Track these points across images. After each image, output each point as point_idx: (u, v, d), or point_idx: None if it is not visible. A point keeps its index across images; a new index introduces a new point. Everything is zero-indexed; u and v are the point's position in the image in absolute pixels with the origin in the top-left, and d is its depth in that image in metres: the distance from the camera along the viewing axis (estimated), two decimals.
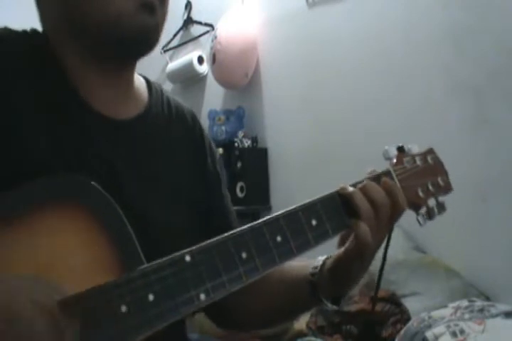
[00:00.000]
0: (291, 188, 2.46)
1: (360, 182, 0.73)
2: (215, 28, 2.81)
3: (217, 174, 0.87)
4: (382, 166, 0.78)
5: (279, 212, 0.65)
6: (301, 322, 1.88)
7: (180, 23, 3.09)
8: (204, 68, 3.00)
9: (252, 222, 0.63)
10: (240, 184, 2.60)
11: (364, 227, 0.68)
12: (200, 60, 2.98)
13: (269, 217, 0.64)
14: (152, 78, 0.87)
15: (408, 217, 0.77)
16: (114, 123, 0.74)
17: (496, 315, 1.47)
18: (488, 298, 1.71)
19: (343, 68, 2.26)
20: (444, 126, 1.88)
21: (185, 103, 0.90)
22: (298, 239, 0.65)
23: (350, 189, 0.71)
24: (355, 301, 1.76)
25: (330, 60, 2.32)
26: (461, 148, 1.81)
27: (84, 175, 0.59)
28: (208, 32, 2.95)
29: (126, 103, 0.77)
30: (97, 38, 0.71)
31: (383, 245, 0.76)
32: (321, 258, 0.77)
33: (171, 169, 0.79)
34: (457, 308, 1.52)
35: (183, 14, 3.09)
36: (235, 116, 2.75)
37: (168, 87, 3.20)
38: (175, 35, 3.10)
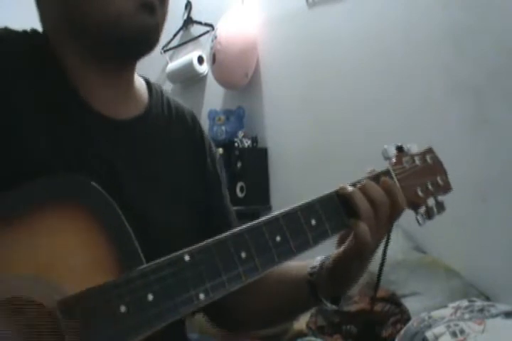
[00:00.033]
0: (291, 188, 2.46)
1: (359, 182, 0.73)
2: (215, 28, 2.81)
3: (217, 174, 0.87)
4: (382, 166, 0.79)
5: (278, 212, 0.65)
6: (301, 322, 1.88)
7: (180, 23, 3.09)
8: (204, 68, 3.00)
9: (251, 222, 0.63)
10: (240, 184, 2.60)
11: (363, 227, 0.68)
12: (200, 60, 2.98)
13: (268, 216, 0.64)
14: (152, 78, 0.87)
15: (408, 216, 0.78)
16: (114, 123, 0.74)
17: (496, 315, 1.47)
18: (488, 298, 1.71)
19: (343, 68, 2.26)
20: (444, 126, 1.88)
21: (185, 103, 0.90)
22: (297, 238, 0.65)
23: (350, 188, 0.71)
24: (355, 301, 1.76)
25: (330, 60, 2.32)
26: (461, 148, 1.81)
27: (84, 175, 0.59)
28: (208, 32, 2.95)
29: (127, 103, 0.78)
30: (97, 38, 0.71)
31: (383, 245, 0.76)
32: (319, 258, 0.77)
33: (170, 169, 0.79)
34: (457, 308, 1.52)
35: (183, 14, 3.09)
36: (235, 116, 2.75)
37: (168, 87, 3.20)
38: (175, 35, 3.10)
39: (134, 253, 0.57)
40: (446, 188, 0.83)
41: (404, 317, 1.69)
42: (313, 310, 1.86)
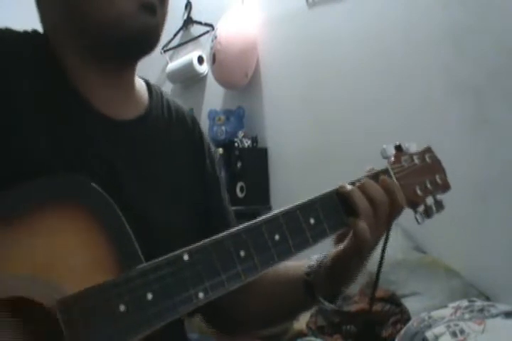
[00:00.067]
0: (291, 188, 2.46)
1: (358, 181, 0.73)
2: (215, 28, 2.81)
3: (216, 176, 0.88)
4: (382, 166, 0.79)
5: (277, 211, 0.66)
6: (301, 322, 1.88)
7: (180, 23, 3.09)
8: (204, 68, 3.00)
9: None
10: (240, 184, 2.60)
11: (363, 225, 0.68)
12: (200, 60, 2.98)
13: (267, 215, 0.65)
14: (152, 78, 0.87)
15: (408, 216, 0.78)
16: (114, 123, 0.74)
17: (496, 315, 1.47)
18: (488, 298, 1.71)
19: (343, 68, 2.26)
20: (444, 126, 1.88)
21: (185, 103, 0.90)
22: (296, 237, 0.65)
23: (349, 187, 0.71)
24: (355, 301, 1.76)
25: (330, 60, 2.32)
26: (461, 148, 1.81)
27: (84, 175, 0.59)
28: (207, 32, 2.95)
29: (127, 104, 0.78)
30: (97, 38, 0.71)
31: (381, 244, 0.76)
32: (315, 257, 0.77)
33: (170, 170, 0.80)
34: (457, 308, 1.52)
35: (183, 14, 3.09)
36: (235, 116, 2.75)
37: (168, 87, 3.19)
38: (175, 35, 3.10)
39: (133, 253, 0.57)
40: (445, 187, 0.83)
41: (404, 317, 1.69)
42: (313, 310, 1.86)
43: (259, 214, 2.58)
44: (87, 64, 0.73)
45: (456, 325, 1.42)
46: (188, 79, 3.09)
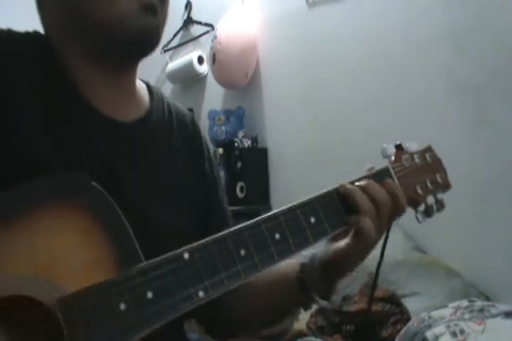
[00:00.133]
0: (291, 188, 2.46)
1: (358, 180, 0.73)
2: (215, 28, 2.81)
3: (214, 178, 0.88)
4: (381, 166, 0.79)
5: (278, 210, 0.66)
6: (301, 322, 1.87)
7: (180, 23, 3.09)
8: (204, 68, 3.00)
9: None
10: (240, 184, 2.60)
11: (369, 222, 0.69)
12: (200, 60, 2.98)
13: (267, 214, 0.65)
14: (152, 78, 0.87)
15: (408, 216, 0.78)
16: (115, 123, 0.74)
17: (496, 315, 1.47)
18: (488, 298, 1.71)
19: (343, 68, 2.26)
20: (444, 126, 1.88)
21: (185, 103, 0.91)
22: (296, 236, 0.66)
23: (350, 186, 0.71)
24: (355, 301, 1.76)
25: (330, 60, 2.32)
26: (461, 148, 1.81)
27: (85, 174, 0.59)
28: (207, 32, 2.95)
29: (127, 104, 0.78)
30: (98, 38, 0.71)
31: (380, 245, 0.76)
32: (307, 254, 0.77)
33: (170, 170, 0.80)
34: (457, 308, 1.52)
35: (183, 14, 3.09)
36: (235, 116, 2.75)
37: (168, 87, 3.19)
38: (175, 35, 3.10)
39: (133, 252, 0.57)
40: (446, 186, 0.83)
41: (404, 317, 1.69)
42: (313, 310, 1.86)
43: (259, 214, 2.56)
44: (87, 64, 0.73)
45: (456, 325, 1.42)
46: (188, 79, 3.09)
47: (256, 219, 0.63)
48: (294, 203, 0.67)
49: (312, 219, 0.67)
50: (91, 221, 0.56)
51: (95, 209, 0.57)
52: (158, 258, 0.56)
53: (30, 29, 0.75)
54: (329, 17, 2.32)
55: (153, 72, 3.15)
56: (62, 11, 0.72)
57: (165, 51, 3.11)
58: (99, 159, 0.70)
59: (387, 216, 0.71)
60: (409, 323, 1.54)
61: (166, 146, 0.81)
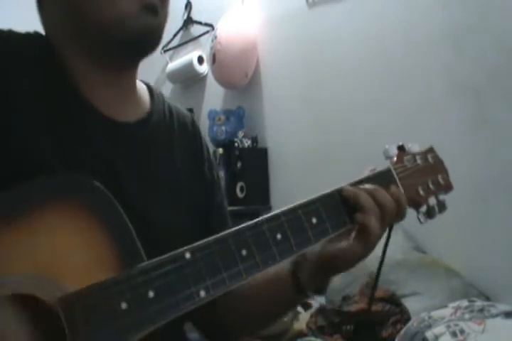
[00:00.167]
0: (291, 188, 2.46)
1: (361, 181, 0.73)
2: (215, 28, 2.81)
3: (214, 179, 0.88)
4: (382, 166, 0.79)
5: (279, 210, 0.66)
6: (301, 322, 1.87)
7: (180, 23, 3.09)
8: (204, 68, 3.00)
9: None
10: (240, 184, 2.60)
11: (374, 220, 0.69)
12: (200, 60, 2.98)
13: (269, 214, 0.65)
14: (152, 78, 0.87)
15: (408, 217, 0.78)
16: (115, 123, 0.74)
17: (496, 315, 1.47)
18: (488, 298, 1.71)
19: (343, 68, 2.26)
20: (444, 126, 1.88)
21: (185, 103, 0.91)
22: (298, 236, 0.66)
23: (353, 189, 0.71)
24: (355, 301, 1.76)
25: (330, 60, 2.32)
26: (461, 148, 1.81)
27: (85, 174, 0.59)
28: (208, 32, 2.95)
29: (127, 105, 0.78)
30: (98, 38, 0.71)
31: (380, 245, 0.76)
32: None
33: (170, 170, 0.80)
34: (457, 308, 1.52)
35: (183, 14, 3.09)
36: (235, 116, 2.75)
37: (168, 87, 3.19)
38: (175, 35, 3.10)
39: (135, 251, 0.57)
40: (448, 187, 0.84)
41: (404, 317, 1.69)
42: (313, 310, 1.86)
43: (259, 214, 2.57)
44: (87, 64, 0.73)
45: (456, 325, 1.42)
46: (188, 79, 3.09)
47: (257, 219, 0.63)
48: (296, 203, 0.67)
49: (314, 220, 0.67)
50: (92, 220, 0.56)
51: (97, 208, 0.56)
52: (160, 258, 0.55)
53: (31, 29, 0.75)
54: (329, 17, 2.32)
55: (153, 72, 3.15)
56: (63, 11, 0.72)
57: (165, 51, 3.11)
58: (99, 159, 0.70)
59: (392, 219, 0.72)
60: (409, 323, 1.54)
61: (167, 147, 0.81)
